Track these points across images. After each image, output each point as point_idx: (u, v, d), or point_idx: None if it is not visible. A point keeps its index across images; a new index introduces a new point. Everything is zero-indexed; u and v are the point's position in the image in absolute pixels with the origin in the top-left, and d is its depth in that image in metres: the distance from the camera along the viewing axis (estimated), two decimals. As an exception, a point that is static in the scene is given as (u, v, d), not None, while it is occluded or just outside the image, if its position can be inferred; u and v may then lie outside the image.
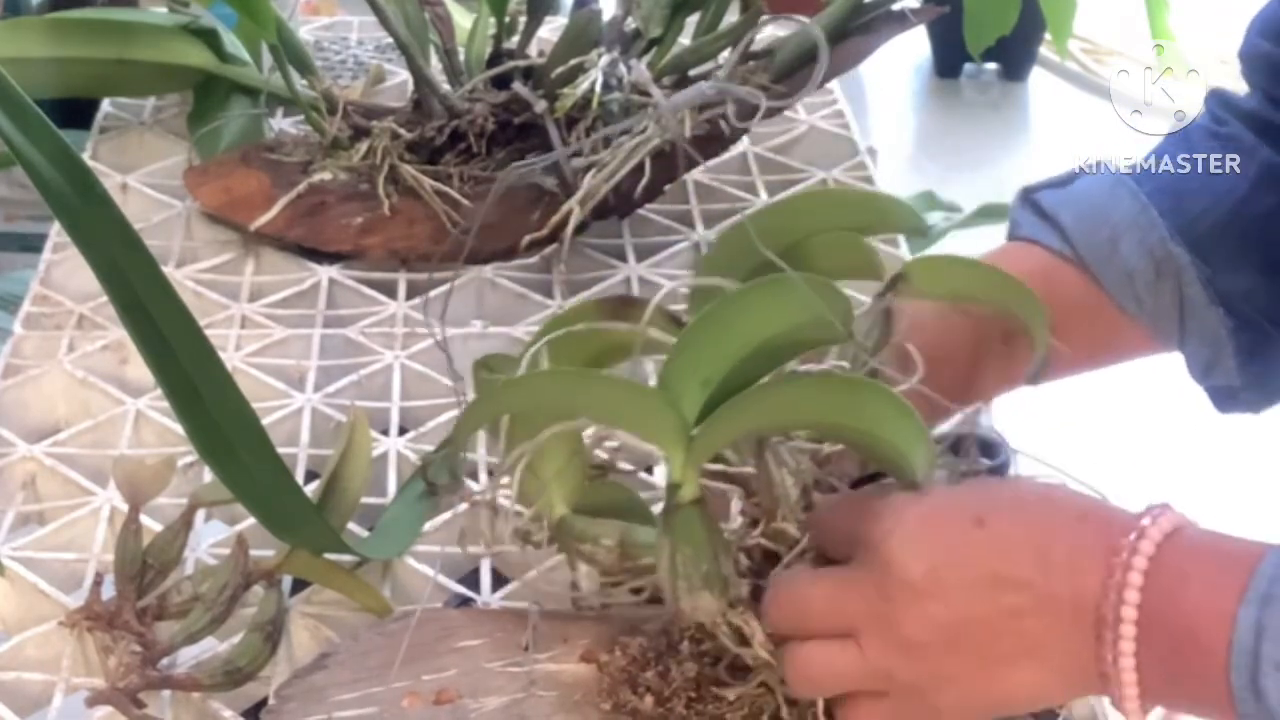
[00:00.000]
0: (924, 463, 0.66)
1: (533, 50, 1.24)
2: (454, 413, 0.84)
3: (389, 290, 1.15)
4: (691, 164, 1.20)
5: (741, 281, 0.73)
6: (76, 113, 1.39)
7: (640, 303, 0.77)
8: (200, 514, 0.88)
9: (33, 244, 1.38)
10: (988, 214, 2.00)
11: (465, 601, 0.86)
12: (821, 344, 0.68)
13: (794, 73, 1.14)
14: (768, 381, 0.69)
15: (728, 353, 0.68)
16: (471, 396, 0.80)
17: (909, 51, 3.85)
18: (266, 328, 1.10)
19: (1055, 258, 0.84)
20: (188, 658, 0.82)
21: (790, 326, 0.67)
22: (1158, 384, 2.64)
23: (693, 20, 1.21)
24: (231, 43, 1.31)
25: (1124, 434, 2.52)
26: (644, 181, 1.11)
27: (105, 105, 1.38)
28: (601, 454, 0.82)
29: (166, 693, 0.80)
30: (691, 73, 1.19)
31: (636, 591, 0.78)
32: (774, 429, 0.71)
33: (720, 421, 0.68)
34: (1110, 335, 0.85)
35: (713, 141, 1.15)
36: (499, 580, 0.88)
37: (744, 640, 0.71)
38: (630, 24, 1.18)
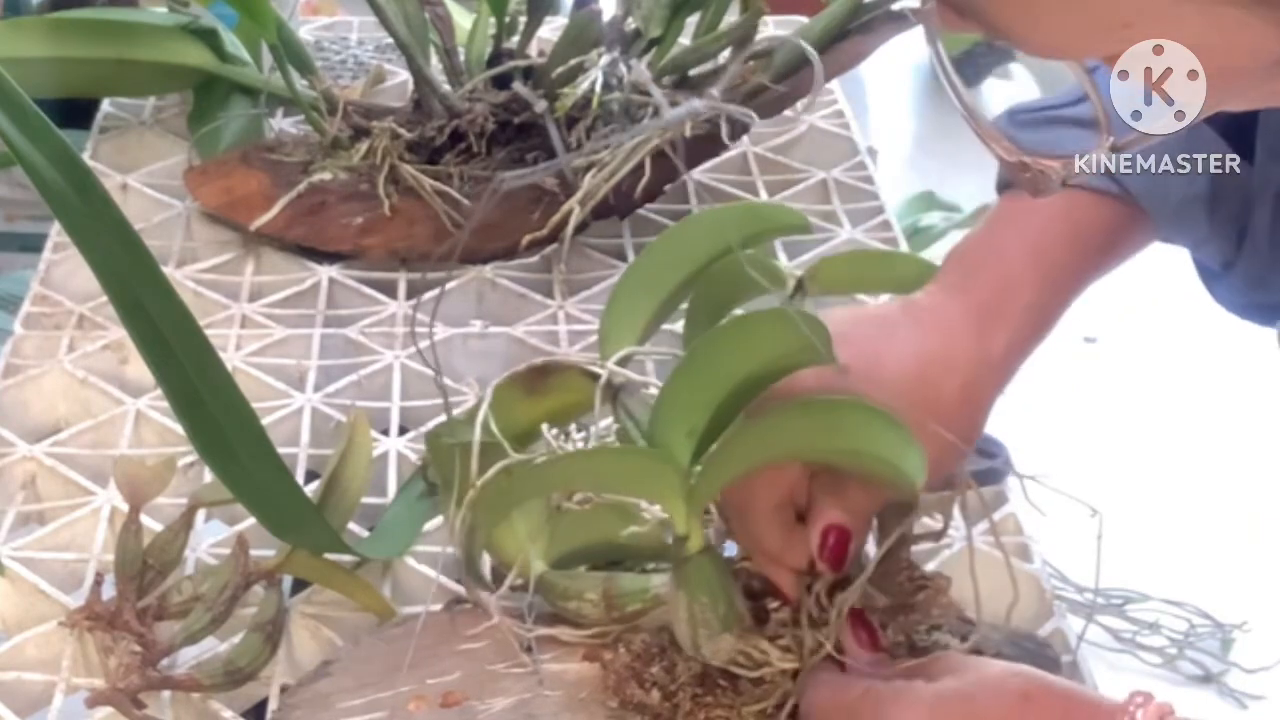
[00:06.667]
0: (916, 471, 0.66)
1: (533, 50, 1.24)
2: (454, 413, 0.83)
3: (389, 290, 1.15)
4: (692, 164, 1.20)
5: (657, 313, 0.77)
6: (76, 113, 1.38)
7: (554, 368, 0.78)
8: (200, 514, 0.88)
9: (33, 244, 1.37)
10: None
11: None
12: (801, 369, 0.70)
13: (794, 72, 1.14)
14: (745, 419, 0.70)
15: (709, 398, 0.69)
16: (455, 410, 0.80)
17: (909, 51, 3.85)
18: (266, 328, 1.10)
19: (1124, 205, 0.78)
20: (188, 658, 0.82)
21: (768, 359, 0.68)
22: (1154, 387, 2.64)
23: (693, 20, 1.21)
24: (231, 43, 1.30)
25: (1117, 436, 2.52)
26: (644, 181, 1.11)
27: (105, 105, 1.38)
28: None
29: (166, 693, 0.80)
30: (692, 72, 1.19)
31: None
32: (767, 462, 0.71)
33: (714, 467, 0.69)
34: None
35: (712, 141, 1.15)
36: (499, 580, 0.88)
37: (759, 664, 0.71)
38: (630, 24, 1.18)
